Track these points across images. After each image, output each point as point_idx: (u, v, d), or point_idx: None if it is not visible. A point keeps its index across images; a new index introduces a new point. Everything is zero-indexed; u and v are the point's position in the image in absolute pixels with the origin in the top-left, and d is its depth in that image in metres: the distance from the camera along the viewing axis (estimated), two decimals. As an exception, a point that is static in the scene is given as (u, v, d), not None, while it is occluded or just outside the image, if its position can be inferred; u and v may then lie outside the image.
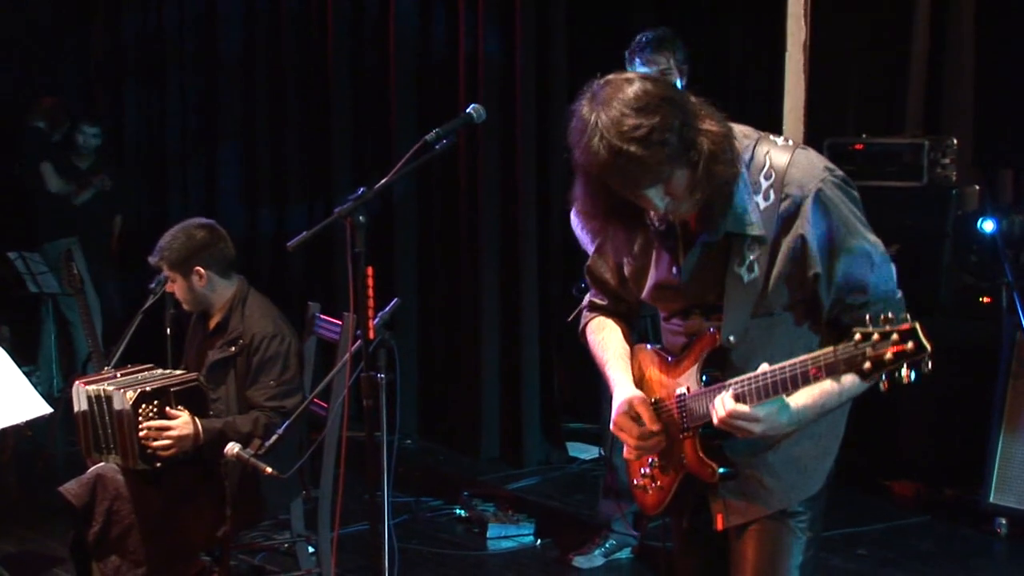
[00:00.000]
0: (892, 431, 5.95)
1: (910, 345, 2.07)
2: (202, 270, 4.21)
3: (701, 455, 2.50)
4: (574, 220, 4.87)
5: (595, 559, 4.98)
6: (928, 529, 5.39)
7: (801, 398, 2.36)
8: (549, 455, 6.76)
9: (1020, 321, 5.14)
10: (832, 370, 2.17)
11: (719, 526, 2.59)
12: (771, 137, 2.47)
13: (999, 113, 5.90)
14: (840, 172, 2.44)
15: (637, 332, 2.90)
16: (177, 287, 4.27)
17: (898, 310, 2.32)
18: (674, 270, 2.54)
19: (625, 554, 5.03)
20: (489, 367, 6.81)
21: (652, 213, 2.53)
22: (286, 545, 4.80)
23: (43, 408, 4.85)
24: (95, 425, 4.12)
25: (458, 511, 5.66)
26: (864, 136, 5.82)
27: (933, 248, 5.52)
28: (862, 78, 6.30)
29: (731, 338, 2.44)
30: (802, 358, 2.23)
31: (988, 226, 5.34)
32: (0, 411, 4.70)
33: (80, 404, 4.20)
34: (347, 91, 7.71)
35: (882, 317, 2.11)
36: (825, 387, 2.34)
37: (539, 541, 5.30)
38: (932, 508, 5.58)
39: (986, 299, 5.55)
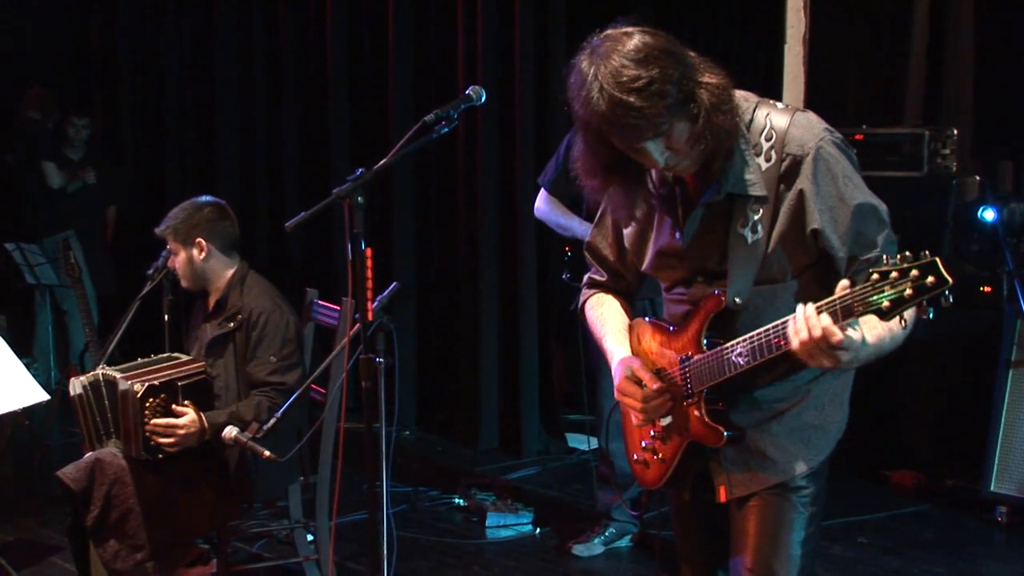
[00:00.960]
0: (892, 421, 5.95)
1: (930, 279, 2.03)
2: (204, 243, 4.23)
3: (707, 420, 2.48)
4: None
5: (594, 547, 4.97)
6: (928, 518, 5.38)
7: (872, 341, 2.28)
8: (548, 446, 6.76)
9: (1021, 309, 5.13)
10: (848, 312, 2.13)
11: (722, 498, 2.57)
12: (770, 101, 2.47)
13: (999, 104, 5.89)
14: (839, 135, 2.43)
15: (636, 314, 2.88)
16: (178, 260, 4.28)
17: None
18: (676, 235, 2.53)
19: (624, 542, 5.02)
20: (487, 357, 6.80)
21: (653, 175, 2.51)
22: (284, 533, 4.79)
23: (40, 395, 4.84)
24: (92, 411, 4.11)
25: (457, 500, 5.65)
26: (864, 127, 5.81)
27: (933, 238, 5.51)
28: (861, 71, 6.29)
29: (737, 299, 2.42)
30: (816, 306, 2.19)
31: (989, 215, 5.34)
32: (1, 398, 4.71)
33: (76, 389, 4.18)
34: (344, 73, 7.69)
35: (899, 256, 2.07)
36: (878, 330, 2.29)
37: (538, 530, 5.29)
38: (932, 497, 5.58)
39: (986, 288, 5.55)
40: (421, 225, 7.38)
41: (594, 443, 6.63)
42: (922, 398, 5.95)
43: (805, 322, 2.21)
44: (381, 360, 3.25)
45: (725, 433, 2.46)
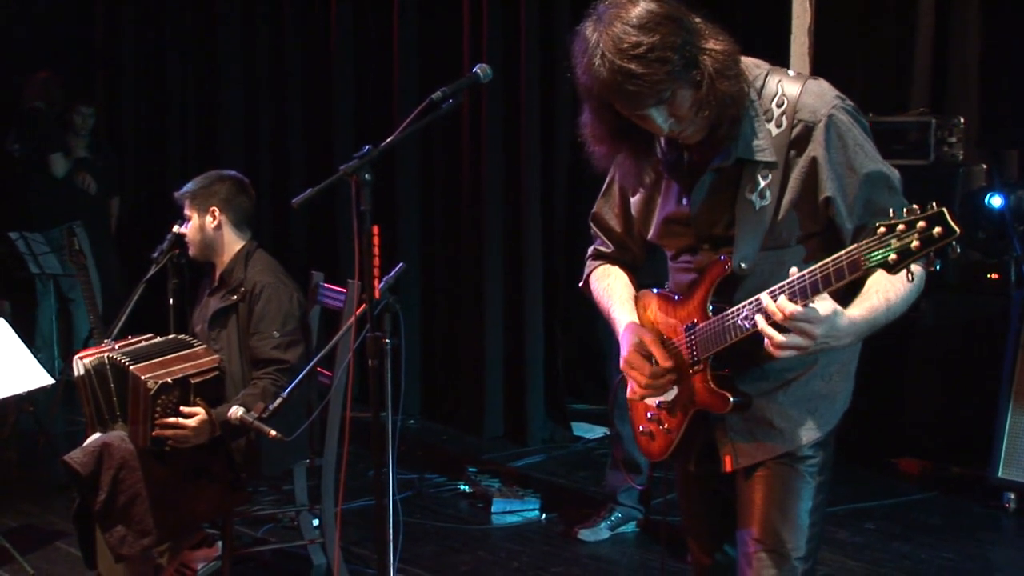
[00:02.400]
0: (898, 408, 5.93)
1: (937, 230, 2.00)
2: (217, 211, 4.24)
3: (712, 386, 2.46)
4: None
5: (601, 532, 4.96)
6: (935, 504, 5.37)
7: (852, 310, 2.29)
8: (553, 434, 6.74)
9: (1029, 295, 5.12)
10: (855, 267, 2.11)
11: (727, 468, 2.56)
12: (782, 69, 2.47)
13: (1004, 94, 5.88)
14: (851, 102, 2.42)
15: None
16: (190, 226, 4.29)
17: None
18: (684, 201, 2.52)
19: (631, 528, 5.00)
20: (492, 345, 6.78)
21: (661, 141, 2.50)
22: (290, 517, 4.79)
23: (45, 379, 4.84)
24: (97, 395, 4.09)
25: (462, 487, 5.64)
26: (870, 115, 5.79)
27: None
28: (867, 61, 6.27)
29: (743, 264, 2.41)
30: (824, 261, 2.17)
31: (996, 201, 5.34)
32: (3, 381, 4.71)
33: (79, 371, 4.17)
34: (349, 53, 7.67)
35: (906, 209, 2.06)
36: (872, 302, 2.30)
37: (544, 516, 5.27)
38: (939, 484, 5.57)
39: (994, 275, 5.54)
40: (424, 211, 7.36)
41: (599, 431, 6.66)
42: (928, 385, 5.93)
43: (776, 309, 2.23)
44: (388, 341, 3.24)
45: (731, 399, 2.44)
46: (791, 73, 2.44)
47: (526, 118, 6.55)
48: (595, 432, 6.64)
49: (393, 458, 3.30)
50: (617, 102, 2.32)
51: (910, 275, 2.12)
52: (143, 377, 3.86)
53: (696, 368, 2.50)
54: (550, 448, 6.54)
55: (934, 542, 4.88)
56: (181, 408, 3.87)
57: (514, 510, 5.29)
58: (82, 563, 4.14)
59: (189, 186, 4.33)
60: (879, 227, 2.07)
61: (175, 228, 4.42)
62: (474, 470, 5.73)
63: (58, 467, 4.05)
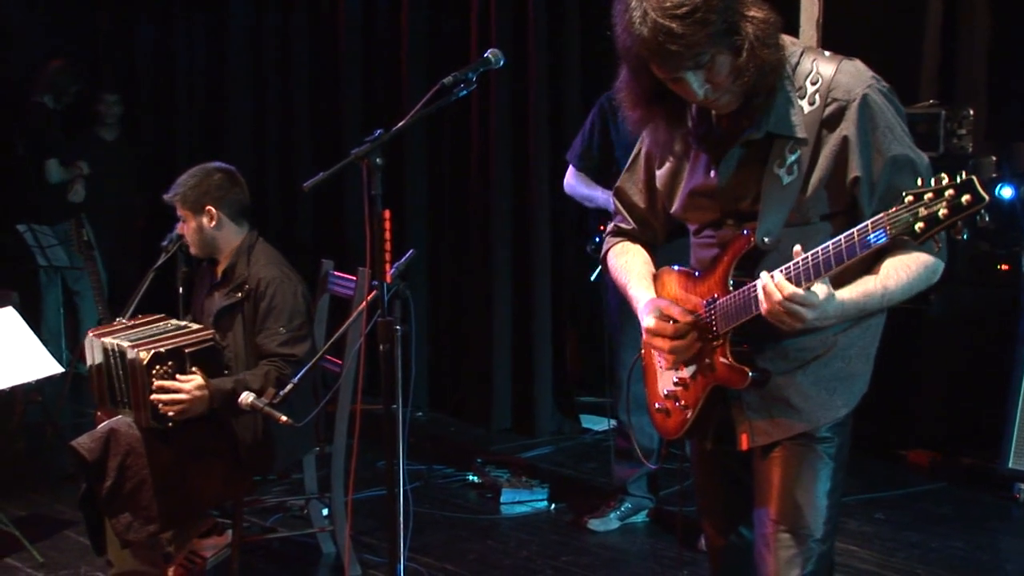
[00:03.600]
0: (908, 400, 5.92)
1: (966, 197, 2.01)
2: (214, 210, 4.20)
3: (731, 361, 2.45)
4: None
5: (610, 522, 4.95)
6: (945, 495, 5.35)
7: (844, 292, 2.30)
8: (561, 426, 6.73)
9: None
10: (879, 237, 2.10)
11: (743, 446, 2.55)
12: (817, 48, 2.47)
13: (1013, 86, 5.85)
14: (886, 83, 2.41)
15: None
16: (188, 228, 4.26)
17: None
18: (711, 173, 2.51)
19: (640, 517, 5.00)
20: (500, 337, 6.77)
21: (693, 110, 2.50)
22: (300, 506, 4.78)
23: (54, 367, 4.85)
24: (110, 377, 4.09)
25: (471, 477, 5.63)
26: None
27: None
28: (875, 51, 6.23)
29: (766, 239, 2.39)
30: (847, 232, 2.17)
31: (1007, 192, 5.33)
32: (13, 370, 4.71)
33: (95, 357, 4.16)
34: (357, 38, 7.65)
35: (934, 179, 2.05)
36: (868, 286, 2.31)
37: (553, 506, 5.26)
38: (948, 476, 5.56)
39: (1004, 267, 5.52)
40: (433, 201, 7.35)
41: (607, 423, 6.64)
42: (938, 377, 5.92)
43: (765, 290, 2.26)
44: (399, 328, 3.23)
45: (750, 374, 2.42)
46: (826, 53, 2.44)
47: (534, 103, 6.54)
48: (603, 424, 6.62)
49: (404, 448, 3.28)
50: (655, 62, 2.31)
51: (938, 246, 2.12)
52: (137, 350, 3.87)
53: (716, 343, 2.49)
54: (558, 440, 6.54)
55: (944, 532, 4.87)
56: (177, 376, 3.88)
57: (523, 500, 5.28)
58: (91, 551, 4.13)
59: (178, 188, 4.24)
60: (907, 195, 2.07)
61: (178, 227, 4.39)
62: (482, 461, 5.71)
63: (65, 454, 4.04)
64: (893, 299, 2.34)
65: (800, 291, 2.22)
